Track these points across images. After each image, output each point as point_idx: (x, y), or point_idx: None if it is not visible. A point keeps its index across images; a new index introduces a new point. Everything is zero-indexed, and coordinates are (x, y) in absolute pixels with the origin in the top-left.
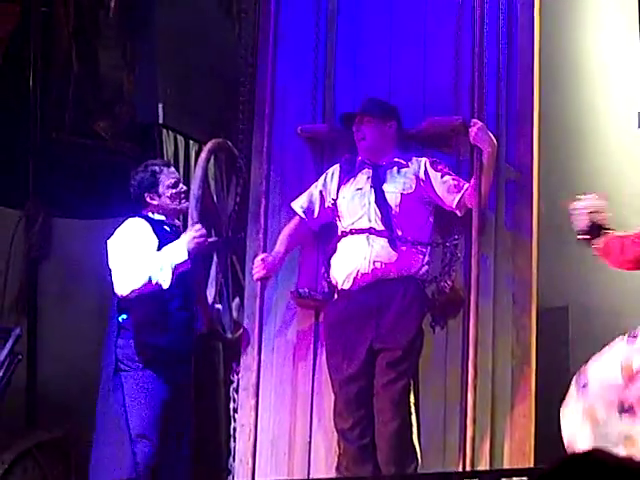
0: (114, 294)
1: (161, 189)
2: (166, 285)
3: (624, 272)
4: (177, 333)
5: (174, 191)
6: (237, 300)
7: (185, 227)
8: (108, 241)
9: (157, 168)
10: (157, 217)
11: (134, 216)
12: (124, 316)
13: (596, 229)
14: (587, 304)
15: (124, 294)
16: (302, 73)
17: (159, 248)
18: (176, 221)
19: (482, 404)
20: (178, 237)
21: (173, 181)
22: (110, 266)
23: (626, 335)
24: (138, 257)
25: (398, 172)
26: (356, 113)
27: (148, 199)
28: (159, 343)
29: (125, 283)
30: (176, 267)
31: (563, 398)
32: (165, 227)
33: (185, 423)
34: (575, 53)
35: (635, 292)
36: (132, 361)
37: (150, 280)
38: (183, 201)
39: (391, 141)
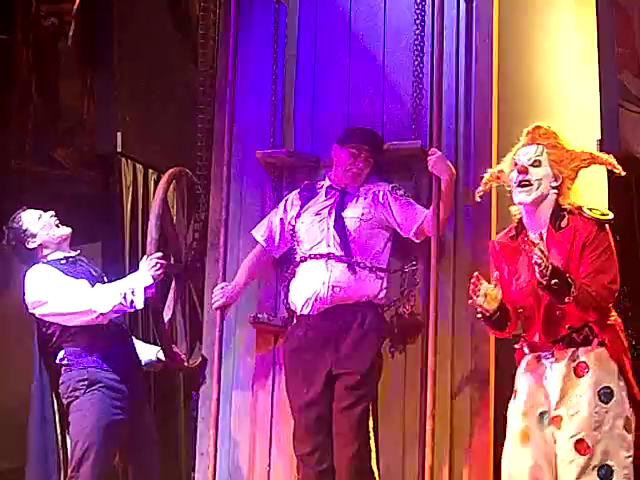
0: (41, 339)
1: (35, 230)
2: (140, 306)
3: None
4: (115, 354)
5: (43, 223)
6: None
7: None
8: (33, 294)
9: (15, 217)
10: (53, 256)
11: (33, 265)
12: (61, 354)
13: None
14: None
15: (105, 312)
16: (261, 100)
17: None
18: (71, 251)
19: (441, 432)
20: (88, 269)
21: (36, 217)
22: (61, 309)
23: None
24: (83, 284)
25: (359, 198)
26: (367, 143)
27: (30, 245)
28: (96, 367)
29: (102, 302)
30: (145, 290)
31: None
32: (69, 261)
33: (142, 438)
34: (533, 81)
35: None
36: (75, 390)
37: (125, 298)
38: (56, 224)
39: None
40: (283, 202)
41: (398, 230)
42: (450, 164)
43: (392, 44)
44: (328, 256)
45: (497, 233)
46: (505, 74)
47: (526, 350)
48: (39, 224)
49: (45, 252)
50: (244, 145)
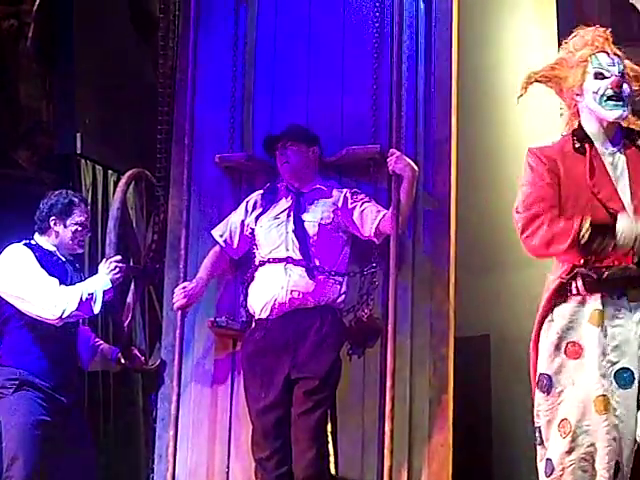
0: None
1: (69, 221)
2: (97, 311)
3: None
4: (54, 356)
5: (79, 229)
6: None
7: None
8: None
9: (75, 200)
10: (48, 247)
11: (17, 242)
12: None
13: None
14: (508, 332)
15: (63, 316)
16: (220, 103)
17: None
18: (68, 256)
19: (400, 434)
20: (65, 269)
21: (83, 219)
22: (23, 294)
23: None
24: (53, 281)
25: (318, 202)
26: (280, 137)
27: (52, 224)
28: (29, 368)
29: (60, 306)
30: (104, 294)
31: (482, 427)
32: (54, 258)
33: (77, 440)
34: (493, 79)
35: None
36: (4, 388)
37: (83, 304)
38: (81, 243)
39: (313, 167)
40: (244, 203)
41: (357, 234)
42: (411, 161)
43: (351, 46)
44: (287, 260)
45: (456, 239)
46: (465, 75)
47: (581, 287)
48: (73, 227)
49: (43, 238)
50: (203, 148)
